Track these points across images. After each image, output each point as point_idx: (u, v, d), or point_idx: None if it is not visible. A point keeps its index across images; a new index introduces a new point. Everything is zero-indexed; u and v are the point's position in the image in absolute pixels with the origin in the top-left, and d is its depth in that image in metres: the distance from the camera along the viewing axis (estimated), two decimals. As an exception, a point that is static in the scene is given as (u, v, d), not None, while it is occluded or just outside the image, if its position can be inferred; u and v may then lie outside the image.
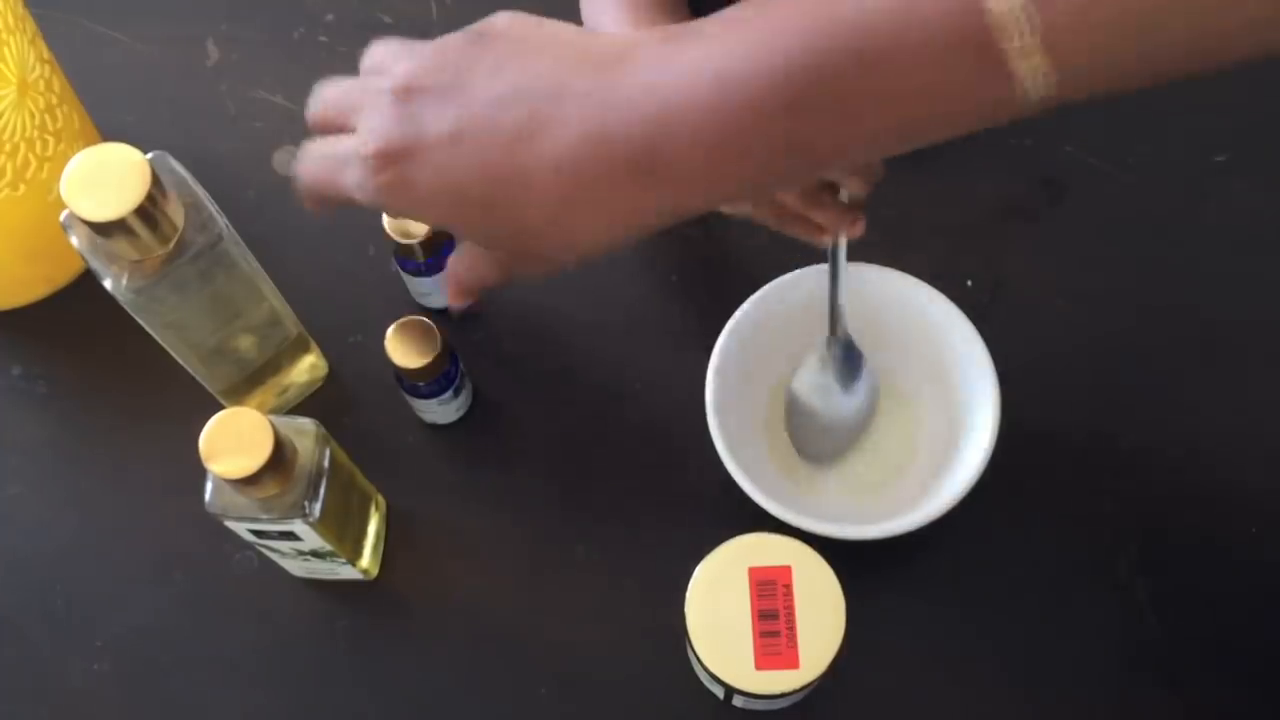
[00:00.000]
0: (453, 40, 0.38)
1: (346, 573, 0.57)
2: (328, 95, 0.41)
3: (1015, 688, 0.56)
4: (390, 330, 0.56)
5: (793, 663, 0.48)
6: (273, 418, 0.47)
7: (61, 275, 0.65)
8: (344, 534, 0.54)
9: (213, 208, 0.49)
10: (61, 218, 0.48)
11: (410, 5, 0.73)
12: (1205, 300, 0.63)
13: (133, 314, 0.50)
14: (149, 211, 0.45)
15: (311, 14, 0.73)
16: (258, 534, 0.51)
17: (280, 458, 0.47)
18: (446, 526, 0.60)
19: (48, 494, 0.62)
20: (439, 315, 0.62)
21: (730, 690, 0.49)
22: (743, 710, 0.54)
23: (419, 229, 0.57)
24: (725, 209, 0.54)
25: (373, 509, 0.58)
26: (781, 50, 0.33)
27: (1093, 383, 0.61)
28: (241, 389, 0.59)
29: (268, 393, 0.61)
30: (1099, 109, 0.67)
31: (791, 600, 0.49)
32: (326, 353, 0.63)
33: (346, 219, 0.66)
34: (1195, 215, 0.66)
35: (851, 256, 0.54)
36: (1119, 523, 0.58)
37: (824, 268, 0.55)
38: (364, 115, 0.38)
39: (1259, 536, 0.58)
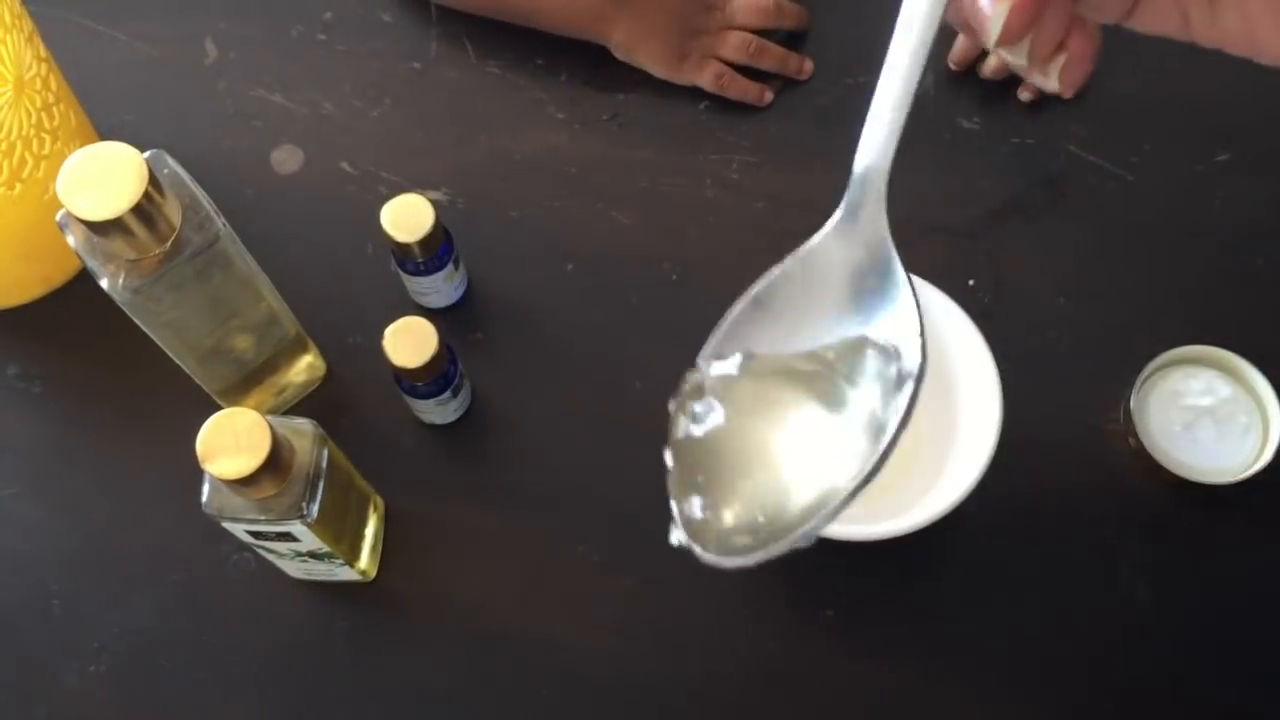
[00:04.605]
0: None
1: (344, 574, 0.57)
2: None
3: (1016, 687, 0.56)
4: (388, 330, 0.56)
5: None
6: (270, 418, 0.47)
7: (58, 275, 0.64)
8: (342, 535, 0.54)
9: (210, 207, 0.49)
10: (58, 217, 0.47)
11: (409, 3, 0.73)
12: (1206, 300, 0.63)
13: (129, 313, 0.49)
14: (146, 210, 0.45)
15: (310, 12, 0.73)
16: (255, 535, 0.51)
17: (278, 458, 0.47)
18: (445, 527, 0.60)
19: (44, 494, 0.61)
20: (438, 315, 0.62)
21: None
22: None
23: (418, 229, 0.57)
24: None
25: (371, 510, 0.58)
26: None
27: (1095, 382, 0.61)
28: (239, 389, 0.59)
29: (265, 393, 0.61)
30: (1100, 109, 0.67)
31: None
32: (324, 353, 0.62)
33: (345, 219, 0.67)
34: (1196, 215, 0.65)
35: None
36: (1120, 523, 0.58)
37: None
38: None
39: (1260, 536, 0.58)
